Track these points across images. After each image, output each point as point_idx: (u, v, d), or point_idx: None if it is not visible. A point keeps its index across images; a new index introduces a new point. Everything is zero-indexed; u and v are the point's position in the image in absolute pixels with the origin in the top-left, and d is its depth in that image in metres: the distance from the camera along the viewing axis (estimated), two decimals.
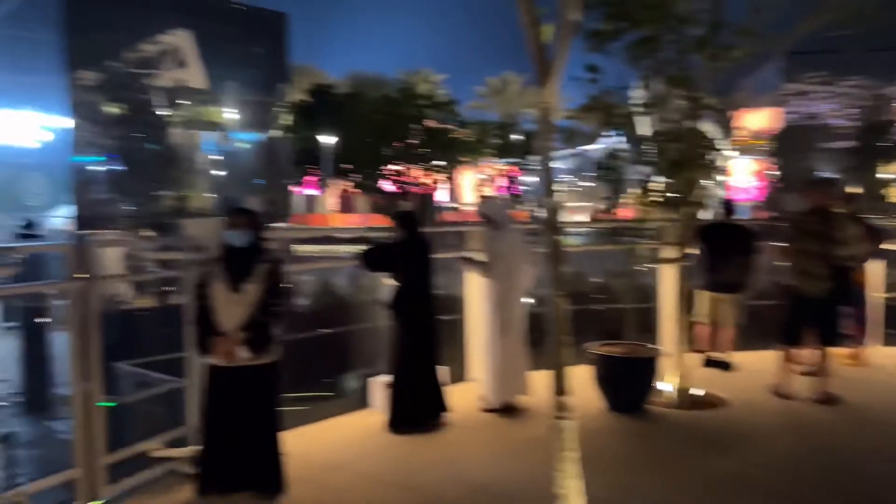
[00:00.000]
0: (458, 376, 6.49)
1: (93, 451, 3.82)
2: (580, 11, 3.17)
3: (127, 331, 8.62)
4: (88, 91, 16.07)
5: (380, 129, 22.53)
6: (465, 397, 5.97)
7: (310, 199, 38.13)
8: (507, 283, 5.80)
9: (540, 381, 5.92)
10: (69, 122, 15.10)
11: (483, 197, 19.33)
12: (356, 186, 27.80)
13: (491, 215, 5.90)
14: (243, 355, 3.62)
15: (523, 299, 5.91)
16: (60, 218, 14.80)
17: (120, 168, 16.10)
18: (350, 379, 7.09)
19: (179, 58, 18.19)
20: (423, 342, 5.45)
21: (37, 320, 8.75)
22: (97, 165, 16.17)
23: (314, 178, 32.62)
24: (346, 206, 39.53)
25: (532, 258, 5.85)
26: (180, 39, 18.08)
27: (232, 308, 3.64)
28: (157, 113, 17.24)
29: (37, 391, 8.43)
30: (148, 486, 4.27)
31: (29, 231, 12.90)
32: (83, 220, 14.93)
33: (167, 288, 8.76)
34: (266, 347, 3.70)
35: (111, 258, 11.54)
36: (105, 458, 3.90)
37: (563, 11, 3.13)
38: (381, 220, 22.85)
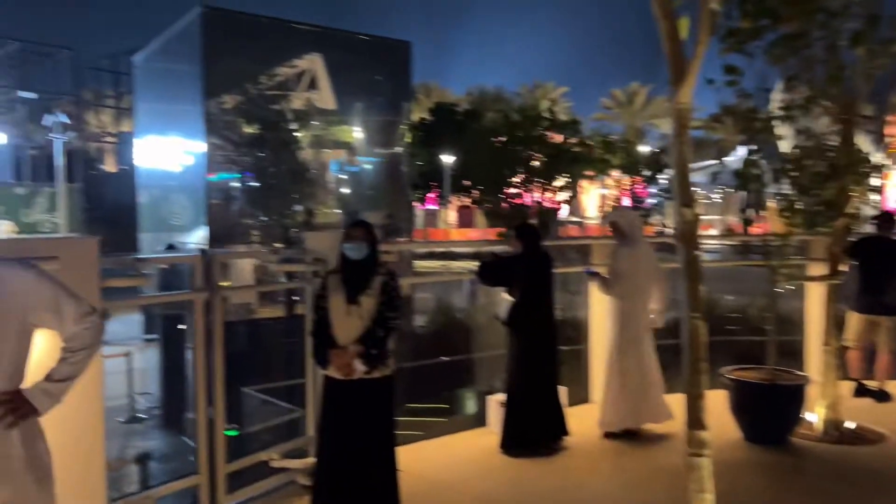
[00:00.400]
0: (580, 398, 6.20)
1: (214, 460, 3.89)
2: (719, 0, 2.86)
3: (253, 340, 8.94)
4: (226, 113, 17.10)
5: (499, 151, 22.51)
6: (586, 421, 5.66)
7: (430, 214, 38.80)
8: (634, 300, 5.45)
9: (669, 407, 5.57)
10: (207, 148, 16.42)
11: (613, 206, 18.68)
12: (475, 202, 27.85)
13: (621, 225, 5.57)
14: (360, 369, 3.57)
15: (652, 318, 5.54)
16: (200, 236, 15.78)
17: (253, 184, 16.97)
18: (467, 396, 6.95)
19: (311, 79, 19.02)
20: (542, 360, 5.22)
21: (174, 332, 8.56)
22: (232, 182, 17.15)
23: (434, 195, 33.08)
24: (466, 220, 39.90)
25: (663, 275, 5.48)
26: (313, 62, 18.94)
27: (349, 321, 3.61)
28: (289, 132, 18.07)
29: (174, 404, 8.32)
30: (267, 496, 4.31)
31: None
32: (217, 235, 15.82)
33: (294, 298, 8.96)
34: (382, 361, 3.64)
35: (242, 270, 12.18)
36: (226, 468, 3.97)
37: (701, 1, 2.84)
38: (495, 234, 22.74)
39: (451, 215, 39.58)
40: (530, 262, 5.16)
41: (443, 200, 32.75)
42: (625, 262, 5.46)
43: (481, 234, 33.11)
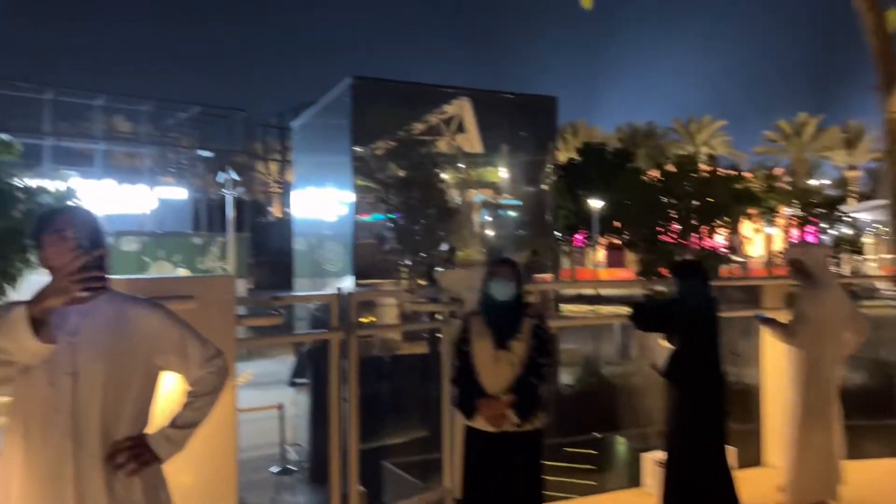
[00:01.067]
0: (751, 459, 5.45)
1: None
2: None
3: (395, 376, 8.78)
4: (377, 158, 17.88)
5: (653, 203, 21.53)
6: (758, 486, 4.91)
7: (576, 253, 37.91)
8: (820, 350, 4.69)
9: (857, 474, 4.72)
10: (357, 199, 17.45)
11: (794, 243, 17.08)
12: (626, 244, 26.82)
13: (807, 264, 4.82)
14: (512, 420, 3.25)
15: (840, 372, 4.75)
16: (352, 281, 16.36)
17: (401, 224, 17.48)
18: (619, 451, 6.36)
19: (459, 123, 19.51)
20: (707, 416, 4.58)
21: (324, 376, 8.19)
22: (381, 222, 17.81)
23: (581, 235, 32.36)
24: (615, 260, 38.56)
25: (859, 322, 4.69)
26: (461, 107, 19.48)
27: (498, 368, 3.32)
28: (436, 173, 18.57)
29: (322, 455, 7.84)
30: None
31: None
32: (365, 272, 16.38)
33: (436, 335, 8.76)
34: (535, 412, 3.32)
35: (387, 307, 12.33)
36: None
37: None
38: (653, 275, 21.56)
39: (600, 255, 38.40)
40: (693, 305, 4.57)
41: (591, 241, 31.94)
42: (811, 306, 4.71)
43: (631, 274, 31.79)
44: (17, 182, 12.98)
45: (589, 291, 21.04)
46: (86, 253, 1.99)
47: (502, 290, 3.41)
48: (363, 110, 17.24)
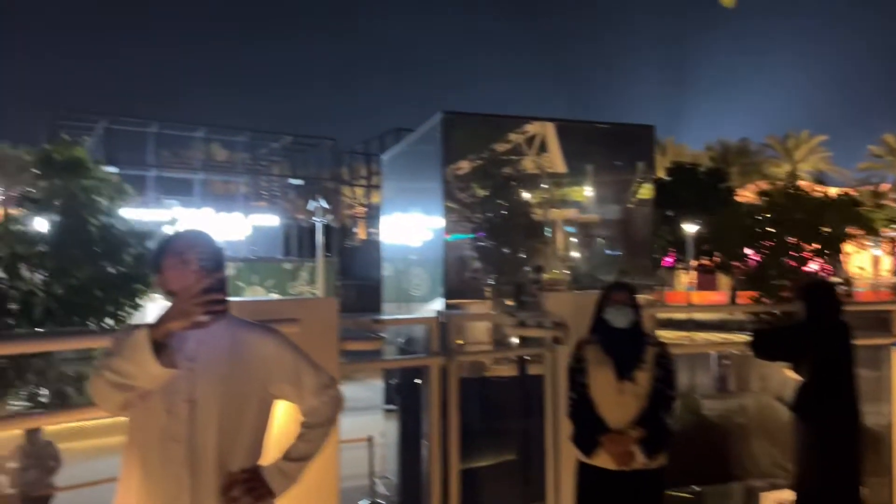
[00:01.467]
0: (882, 499, 4.92)
1: None
2: None
3: (484, 398, 8.45)
4: (460, 178, 18.02)
5: (751, 226, 20.46)
6: None
7: (665, 274, 36.51)
8: None
9: None
10: (447, 224, 17.53)
11: None
12: (719, 266, 25.69)
13: None
14: (640, 458, 3.02)
15: None
16: (438, 305, 16.32)
17: (486, 244, 17.43)
18: (736, 490, 5.89)
19: (541, 143, 19.42)
20: (840, 453, 4.14)
21: (413, 402, 7.71)
22: (466, 241, 17.83)
23: (671, 256, 31.29)
24: (706, 283, 36.88)
25: None
26: (543, 126, 19.43)
27: (622, 400, 3.10)
28: (520, 192, 18.51)
29: (412, 488, 7.40)
30: None
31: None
32: (452, 293, 16.37)
33: (525, 358, 8.41)
34: (663, 449, 3.08)
35: (476, 327, 12.13)
36: None
37: None
38: (749, 298, 20.48)
39: (689, 276, 36.89)
40: (823, 332, 4.13)
41: (682, 262, 30.81)
42: None
43: (725, 297, 30.38)
44: (123, 223, 13.73)
45: (681, 316, 20.16)
46: (207, 276, 1.95)
47: (621, 317, 3.20)
48: (452, 141, 17.46)
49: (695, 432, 6.92)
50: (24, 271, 12.59)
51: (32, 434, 8.07)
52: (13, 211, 16.40)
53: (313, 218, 26.79)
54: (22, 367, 11.93)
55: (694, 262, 30.60)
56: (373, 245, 28.38)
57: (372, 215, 38.37)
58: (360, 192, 43.41)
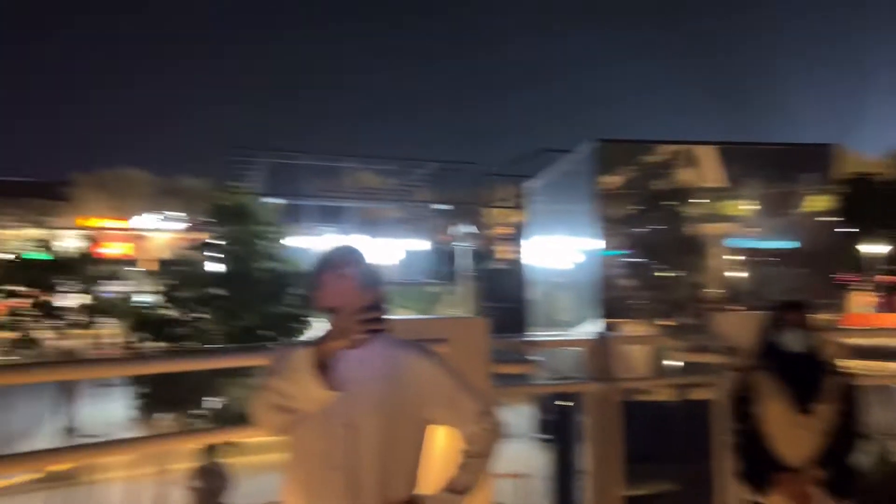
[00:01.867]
0: None
1: None
2: None
3: (641, 423, 7.85)
4: (610, 193, 17.57)
5: None
6: None
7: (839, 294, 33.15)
8: None
9: None
10: (599, 244, 17.07)
11: None
12: None
13: None
14: (820, 500, 2.65)
15: None
16: (592, 326, 15.80)
17: (640, 260, 16.79)
18: None
19: (695, 157, 18.51)
20: None
21: (568, 432, 6.64)
22: (618, 258, 17.25)
23: (846, 274, 28.51)
24: (887, 304, 33.22)
25: None
26: (704, 149, 18.56)
27: (798, 434, 2.73)
28: (674, 207, 17.74)
29: None
30: None
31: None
32: (607, 311, 15.82)
33: (688, 382, 7.72)
34: (850, 490, 2.71)
35: (636, 353, 11.45)
36: None
37: None
38: None
39: (869, 297, 33.33)
40: None
41: (864, 282, 27.94)
42: None
43: None
44: (286, 263, 14.78)
45: (861, 341, 18.09)
46: (366, 292, 1.91)
47: (796, 340, 2.83)
48: (605, 167, 17.11)
49: (880, 481, 6.01)
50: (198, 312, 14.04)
51: (210, 453, 8.60)
52: (192, 245, 17.94)
53: (459, 242, 27.22)
54: (201, 384, 12.90)
55: (879, 279, 27.59)
56: (514, 268, 28.36)
57: (512, 238, 38.45)
58: (501, 213, 43.69)
